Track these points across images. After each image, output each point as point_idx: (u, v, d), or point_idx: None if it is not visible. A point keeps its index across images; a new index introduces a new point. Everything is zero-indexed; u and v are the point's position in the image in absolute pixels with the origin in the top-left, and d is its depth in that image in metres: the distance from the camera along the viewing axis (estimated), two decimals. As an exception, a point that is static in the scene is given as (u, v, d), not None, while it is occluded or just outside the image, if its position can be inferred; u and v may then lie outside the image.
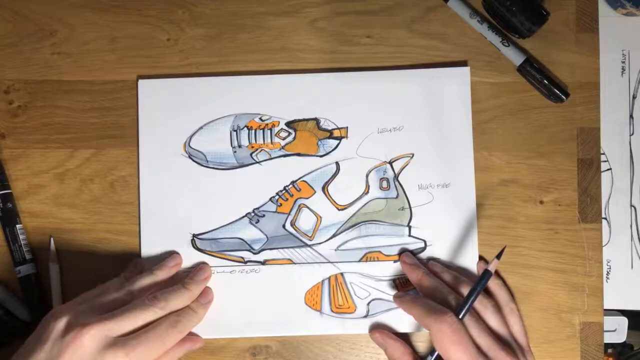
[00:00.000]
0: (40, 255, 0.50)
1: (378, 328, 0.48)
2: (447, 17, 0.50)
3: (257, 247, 0.49)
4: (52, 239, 0.50)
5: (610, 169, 0.54)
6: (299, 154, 0.49)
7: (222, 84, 0.50)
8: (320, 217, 0.49)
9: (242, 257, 0.49)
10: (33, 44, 0.50)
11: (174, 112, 0.50)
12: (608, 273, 0.54)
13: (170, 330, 0.42)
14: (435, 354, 0.43)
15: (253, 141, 0.50)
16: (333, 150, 0.49)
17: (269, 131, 0.50)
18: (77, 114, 0.50)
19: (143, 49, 0.50)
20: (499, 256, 0.44)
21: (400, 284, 0.49)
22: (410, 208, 0.49)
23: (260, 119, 0.50)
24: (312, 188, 0.49)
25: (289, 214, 0.49)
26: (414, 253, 0.49)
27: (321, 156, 0.49)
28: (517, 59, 0.49)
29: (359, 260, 0.49)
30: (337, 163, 0.49)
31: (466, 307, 0.42)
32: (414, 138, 0.49)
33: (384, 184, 0.49)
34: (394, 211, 0.49)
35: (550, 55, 0.50)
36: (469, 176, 0.49)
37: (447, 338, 0.41)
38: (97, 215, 0.50)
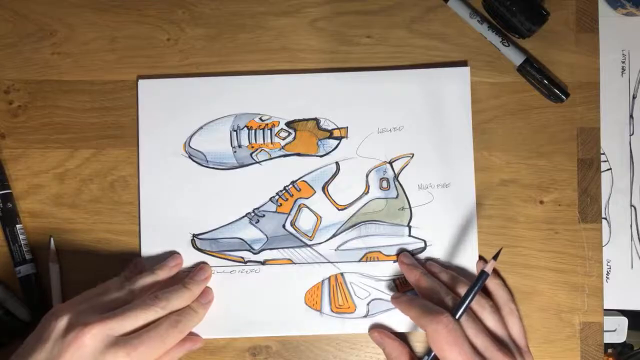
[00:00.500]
0: (40, 255, 0.50)
1: (377, 327, 0.49)
2: (447, 17, 0.50)
3: (257, 247, 0.49)
4: (52, 239, 0.50)
5: (610, 169, 0.54)
6: (299, 154, 0.49)
7: (222, 84, 0.50)
8: (320, 217, 0.49)
9: (242, 257, 0.49)
10: (33, 44, 0.50)
11: (174, 112, 0.50)
12: (608, 273, 0.54)
13: (171, 330, 0.42)
14: (432, 354, 0.43)
15: (253, 141, 0.50)
16: (333, 150, 0.49)
17: (269, 131, 0.50)
18: (77, 114, 0.50)
19: (143, 49, 0.50)
20: (495, 257, 0.44)
21: (400, 284, 0.49)
22: (410, 208, 0.49)
23: (260, 119, 0.50)
24: (312, 188, 0.49)
25: (289, 214, 0.49)
26: (414, 253, 0.49)
27: (321, 156, 0.49)
28: (517, 59, 0.49)
29: (359, 260, 0.49)
30: (337, 163, 0.49)
31: (463, 307, 0.42)
32: (414, 138, 0.49)
33: (384, 184, 0.49)
34: (394, 211, 0.49)
35: (550, 55, 0.50)
36: (469, 176, 0.49)
37: (443, 339, 0.41)
38: (97, 215, 0.50)
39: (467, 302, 0.42)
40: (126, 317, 0.41)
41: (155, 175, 0.49)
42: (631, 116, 0.54)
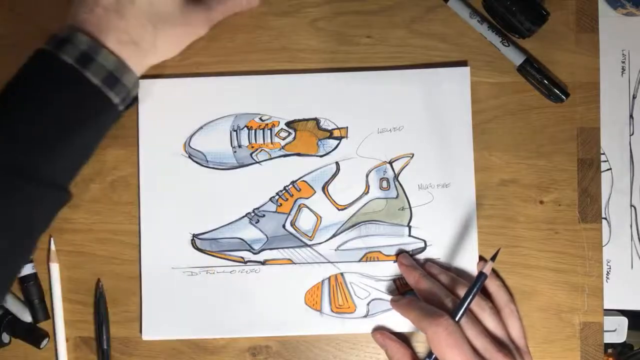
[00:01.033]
0: (40, 255, 0.50)
1: (379, 329, 0.49)
2: (447, 17, 0.50)
3: (257, 247, 0.49)
4: (52, 239, 0.50)
5: (610, 169, 0.54)
6: (299, 154, 0.49)
7: (222, 84, 0.50)
8: (320, 217, 0.49)
9: (242, 257, 0.49)
10: (33, 44, 0.50)
11: (174, 112, 0.50)
12: (608, 273, 0.54)
13: None
14: (433, 356, 0.43)
15: (253, 141, 0.50)
16: (333, 150, 0.49)
17: (269, 131, 0.50)
18: (77, 114, 0.50)
19: (143, 49, 0.50)
20: (493, 258, 0.44)
21: (400, 284, 0.49)
22: (410, 208, 0.49)
23: (260, 119, 0.50)
24: (312, 188, 0.49)
25: (289, 214, 0.49)
26: (413, 253, 0.49)
27: (321, 156, 0.49)
28: (517, 59, 0.49)
29: (359, 260, 0.49)
30: (337, 163, 0.49)
31: (462, 309, 0.42)
32: (414, 138, 0.49)
33: (384, 184, 0.49)
34: (394, 211, 0.49)
35: (550, 55, 0.50)
36: (469, 176, 0.49)
37: (443, 341, 0.41)
38: (97, 215, 0.50)
39: (466, 303, 0.42)
40: None
41: (155, 175, 0.49)
42: (631, 116, 0.54)
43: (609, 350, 0.56)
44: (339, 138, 0.49)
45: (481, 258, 0.49)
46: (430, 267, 0.48)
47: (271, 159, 0.49)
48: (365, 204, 0.49)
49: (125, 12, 0.42)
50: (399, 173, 0.49)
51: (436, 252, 0.49)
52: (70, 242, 0.50)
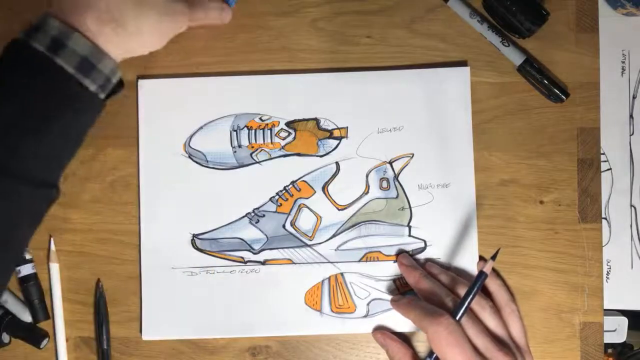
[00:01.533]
0: (40, 255, 0.50)
1: (380, 329, 0.49)
2: (447, 17, 0.50)
3: (257, 247, 0.49)
4: (52, 239, 0.50)
5: (610, 169, 0.54)
6: (299, 154, 0.49)
7: (222, 84, 0.50)
8: (320, 217, 0.49)
9: (242, 257, 0.49)
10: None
11: (174, 112, 0.50)
12: (608, 273, 0.54)
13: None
14: (434, 356, 0.43)
15: (253, 141, 0.50)
16: (333, 150, 0.49)
17: (269, 131, 0.50)
18: (77, 114, 0.50)
19: (143, 49, 0.50)
20: (494, 257, 0.44)
21: (400, 284, 0.49)
22: (410, 208, 0.49)
23: (260, 119, 0.50)
24: (312, 188, 0.49)
25: (289, 214, 0.49)
26: (413, 253, 0.49)
27: (321, 156, 0.49)
28: (517, 59, 0.49)
29: (359, 260, 0.49)
30: (337, 163, 0.49)
31: (463, 308, 0.42)
32: (414, 138, 0.49)
33: (384, 184, 0.49)
34: (394, 211, 0.49)
35: (550, 55, 0.50)
36: (469, 176, 0.49)
37: (444, 340, 0.41)
38: (97, 215, 0.50)
39: (466, 302, 0.42)
40: None
41: (155, 175, 0.49)
42: (631, 116, 0.54)
43: (609, 350, 0.56)
44: (339, 138, 0.49)
45: (481, 258, 0.49)
46: (430, 267, 0.48)
47: (271, 159, 0.49)
48: (365, 204, 0.49)
49: None
50: (399, 173, 0.49)
51: (436, 252, 0.49)
52: (70, 242, 0.50)
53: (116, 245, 0.50)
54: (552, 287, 0.49)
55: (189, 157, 0.49)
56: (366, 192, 0.49)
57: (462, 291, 0.45)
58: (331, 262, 0.49)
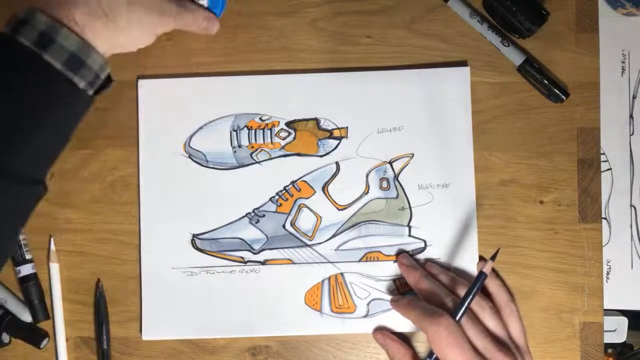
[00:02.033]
0: (40, 255, 0.50)
1: (380, 329, 0.49)
2: (447, 17, 0.50)
3: (257, 247, 0.49)
4: (52, 239, 0.50)
5: (610, 169, 0.54)
6: (299, 154, 0.49)
7: (222, 84, 0.50)
8: (320, 217, 0.49)
9: (242, 257, 0.49)
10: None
11: (174, 112, 0.50)
12: (608, 273, 0.54)
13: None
14: (434, 356, 0.43)
15: (253, 141, 0.50)
16: (333, 150, 0.49)
17: (269, 131, 0.50)
18: (77, 114, 0.50)
19: (143, 49, 0.50)
20: (493, 257, 0.44)
21: (400, 284, 0.49)
22: (410, 208, 0.49)
23: (260, 119, 0.50)
24: (312, 188, 0.49)
25: (289, 214, 0.49)
26: (413, 253, 0.49)
27: (321, 156, 0.49)
28: (517, 59, 0.49)
29: (359, 260, 0.49)
30: (337, 163, 0.49)
31: (462, 308, 0.42)
32: (414, 138, 0.49)
33: (384, 184, 0.49)
34: (394, 211, 0.49)
35: (550, 55, 0.50)
36: (469, 176, 0.49)
37: (444, 340, 0.41)
38: (97, 215, 0.50)
39: (466, 303, 0.42)
40: None
41: (155, 175, 0.49)
42: (631, 116, 0.54)
43: (609, 350, 0.56)
44: (339, 138, 0.49)
45: (481, 258, 0.49)
46: (430, 267, 0.48)
47: (271, 159, 0.49)
48: (365, 204, 0.49)
49: None
50: (399, 173, 0.49)
51: (436, 252, 0.49)
52: (70, 242, 0.50)
53: (116, 245, 0.50)
54: (552, 287, 0.49)
55: (189, 157, 0.49)
56: (366, 192, 0.49)
57: (462, 291, 0.45)
58: (331, 262, 0.49)
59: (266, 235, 0.49)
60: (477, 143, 0.49)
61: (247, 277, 0.49)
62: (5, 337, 0.49)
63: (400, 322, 0.48)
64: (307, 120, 0.50)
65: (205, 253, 0.49)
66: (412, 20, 0.50)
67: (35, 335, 0.49)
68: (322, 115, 0.50)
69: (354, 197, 0.49)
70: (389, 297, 0.49)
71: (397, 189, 0.49)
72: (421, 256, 0.49)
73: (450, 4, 0.49)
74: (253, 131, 0.50)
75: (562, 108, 0.50)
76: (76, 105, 0.41)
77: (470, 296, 0.43)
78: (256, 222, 0.49)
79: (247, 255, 0.49)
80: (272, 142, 0.50)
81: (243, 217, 0.49)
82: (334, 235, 0.49)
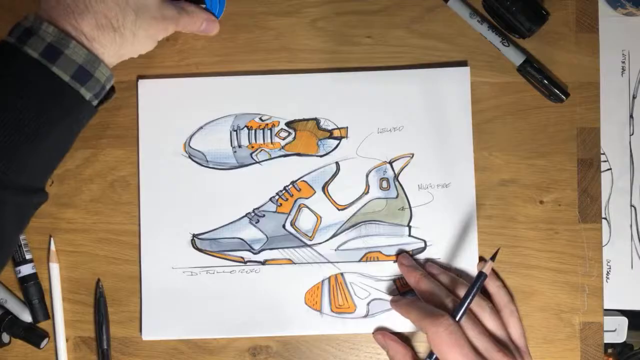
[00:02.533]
0: (40, 255, 0.50)
1: (380, 330, 0.49)
2: (447, 17, 0.50)
3: (257, 247, 0.49)
4: (52, 239, 0.50)
5: (610, 169, 0.54)
6: (299, 154, 0.49)
7: (222, 84, 0.50)
8: (320, 217, 0.49)
9: (242, 257, 0.49)
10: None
11: (174, 112, 0.50)
12: (608, 273, 0.54)
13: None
14: (434, 356, 0.43)
15: (253, 141, 0.50)
16: (333, 150, 0.49)
17: (269, 131, 0.50)
18: (77, 114, 0.50)
19: (143, 49, 0.50)
20: (493, 258, 0.44)
21: (400, 284, 0.49)
22: (410, 208, 0.49)
23: (260, 119, 0.50)
24: (312, 188, 0.49)
25: (289, 214, 0.49)
26: (413, 253, 0.49)
27: (321, 156, 0.49)
28: (517, 59, 0.49)
29: (359, 260, 0.49)
30: (337, 163, 0.49)
31: (462, 309, 0.42)
32: (414, 138, 0.49)
33: (384, 184, 0.49)
34: (394, 211, 0.49)
35: (550, 55, 0.50)
36: (469, 176, 0.49)
37: (444, 341, 0.41)
38: (97, 215, 0.50)
39: (466, 303, 0.42)
40: None
41: (155, 175, 0.49)
42: (631, 116, 0.54)
43: (609, 350, 0.56)
44: (339, 138, 0.49)
45: (481, 258, 0.49)
46: (430, 267, 0.48)
47: (271, 159, 0.49)
48: (365, 204, 0.49)
49: None
50: (399, 173, 0.49)
51: (436, 252, 0.49)
52: (70, 242, 0.50)
53: (116, 245, 0.50)
54: (552, 287, 0.49)
55: (189, 157, 0.49)
56: (366, 192, 0.49)
57: (462, 292, 0.45)
58: (331, 262, 0.49)
59: (266, 235, 0.49)
60: (477, 143, 0.49)
61: (247, 277, 0.49)
62: (5, 337, 0.49)
63: (400, 322, 0.48)
64: (307, 120, 0.50)
65: (205, 253, 0.49)
66: (412, 20, 0.50)
67: (35, 335, 0.49)
68: (322, 115, 0.50)
69: (354, 197, 0.49)
70: (389, 297, 0.49)
71: (397, 189, 0.49)
72: (421, 256, 0.49)
73: (450, 4, 0.49)
74: (253, 131, 0.50)
75: (562, 108, 0.50)
76: (80, 117, 0.41)
77: (470, 296, 0.43)
78: (256, 222, 0.49)
79: (247, 255, 0.49)
80: (272, 142, 0.50)
81: (243, 217, 0.49)
82: (334, 235, 0.49)
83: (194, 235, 0.49)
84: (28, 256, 0.49)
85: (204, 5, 0.47)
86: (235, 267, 0.49)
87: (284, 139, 0.49)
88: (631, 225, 0.54)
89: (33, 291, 0.49)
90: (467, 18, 0.49)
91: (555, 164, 0.50)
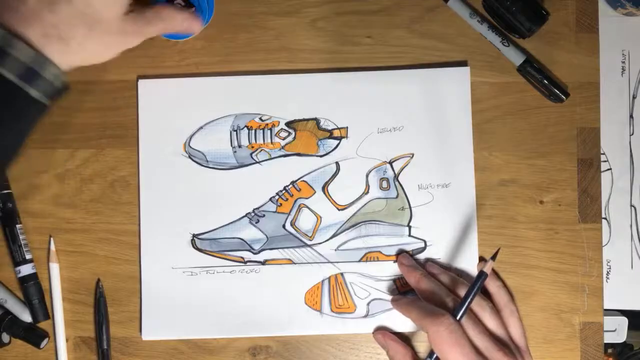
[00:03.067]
0: (40, 255, 0.50)
1: (380, 329, 0.49)
2: (447, 17, 0.50)
3: (257, 247, 0.49)
4: (52, 239, 0.50)
5: (610, 169, 0.54)
6: (299, 154, 0.49)
7: (222, 84, 0.50)
8: (320, 217, 0.49)
9: (242, 257, 0.49)
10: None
11: (174, 112, 0.50)
12: (608, 273, 0.54)
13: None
14: (434, 356, 0.43)
15: (253, 141, 0.50)
16: (333, 150, 0.49)
17: (269, 131, 0.50)
18: (77, 114, 0.50)
19: (143, 49, 0.50)
20: (493, 257, 0.44)
21: (400, 284, 0.49)
22: (410, 208, 0.49)
23: (260, 119, 0.50)
24: (312, 188, 0.49)
25: (289, 214, 0.49)
26: (413, 253, 0.49)
27: (321, 156, 0.49)
28: (517, 59, 0.49)
29: (359, 260, 0.49)
30: (337, 163, 0.49)
31: (463, 308, 0.42)
32: (414, 138, 0.49)
33: (384, 184, 0.49)
34: (394, 211, 0.49)
35: (550, 55, 0.50)
36: (469, 176, 0.49)
37: (444, 340, 0.41)
38: (97, 215, 0.50)
39: (467, 303, 0.42)
40: None
41: (155, 175, 0.49)
42: (631, 116, 0.54)
43: (609, 350, 0.56)
44: (339, 138, 0.50)
45: (481, 258, 0.49)
46: (430, 267, 0.48)
47: (271, 159, 0.50)
48: (365, 204, 0.49)
49: (58, 8, 0.39)
50: (399, 173, 0.49)
51: (436, 252, 0.49)
52: (70, 242, 0.50)
53: (116, 245, 0.50)
54: (552, 287, 0.49)
55: (189, 157, 0.50)
56: (366, 192, 0.49)
57: (462, 292, 0.45)
58: (331, 262, 0.49)
59: (266, 235, 0.49)
60: (477, 143, 0.49)
61: (247, 277, 0.49)
62: (5, 337, 0.49)
63: (400, 322, 0.48)
64: (307, 120, 0.50)
65: (205, 253, 0.49)
66: (412, 20, 0.50)
67: (35, 335, 0.49)
68: (322, 115, 0.50)
69: (354, 197, 0.49)
70: (389, 297, 0.49)
71: (397, 189, 0.49)
72: (421, 256, 0.49)
73: (450, 4, 0.49)
74: (253, 131, 0.50)
75: (562, 108, 0.50)
76: (31, 115, 0.40)
77: (471, 296, 0.43)
78: (256, 222, 0.49)
79: (247, 255, 0.49)
80: (272, 142, 0.50)
81: (243, 217, 0.49)
82: (334, 235, 0.49)
83: (194, 235, 0.49)
84: (28, 256, 0.49)
85: (193, 9, 0.47)
86: (235, 267, 0.49)
87: (284, 139, 0.50)
88: (631, 225, 0.54)
89: (33, 291, 0.49)
90: (467, 18, 0.49)
91: (555, 164, 0.50)
